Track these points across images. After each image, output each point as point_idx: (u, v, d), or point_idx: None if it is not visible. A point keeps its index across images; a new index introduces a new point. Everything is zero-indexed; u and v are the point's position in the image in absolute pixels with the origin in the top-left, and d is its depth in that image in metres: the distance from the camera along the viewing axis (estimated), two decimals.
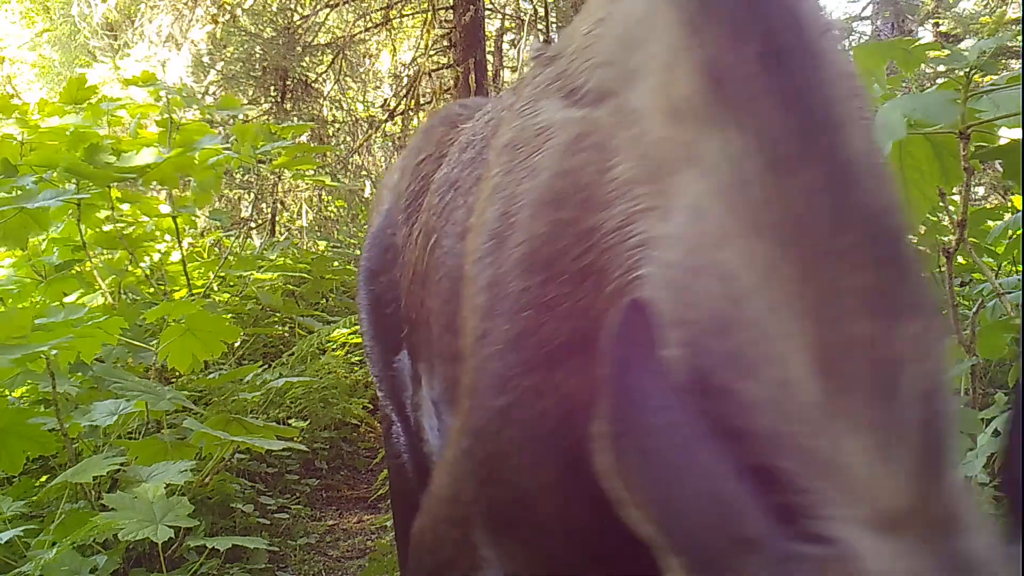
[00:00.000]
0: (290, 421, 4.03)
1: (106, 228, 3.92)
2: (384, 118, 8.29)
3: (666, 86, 0.88)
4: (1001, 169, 2.08)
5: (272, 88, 7.55)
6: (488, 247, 1.16)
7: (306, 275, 5.62)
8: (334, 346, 4.78)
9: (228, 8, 7.41)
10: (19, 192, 3.18)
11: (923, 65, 2.65)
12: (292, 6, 7.78)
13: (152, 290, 4.31)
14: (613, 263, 0.92)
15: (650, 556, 0.74)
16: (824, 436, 0.68)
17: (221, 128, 6.21)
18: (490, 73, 8.37)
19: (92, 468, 2.23)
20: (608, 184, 0.95)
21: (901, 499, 0.65)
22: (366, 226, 2.38)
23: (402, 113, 8.09)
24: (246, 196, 7.73)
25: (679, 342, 0.77)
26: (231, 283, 5.22)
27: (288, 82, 7.52)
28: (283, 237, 7.39)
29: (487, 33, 8.45)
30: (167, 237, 4.57)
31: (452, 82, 7.57)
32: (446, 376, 1.52)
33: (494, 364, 1.07)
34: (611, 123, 0.99)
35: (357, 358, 4.70)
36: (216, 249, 5.87)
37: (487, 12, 8.50)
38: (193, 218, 4.82)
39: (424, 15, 8.09)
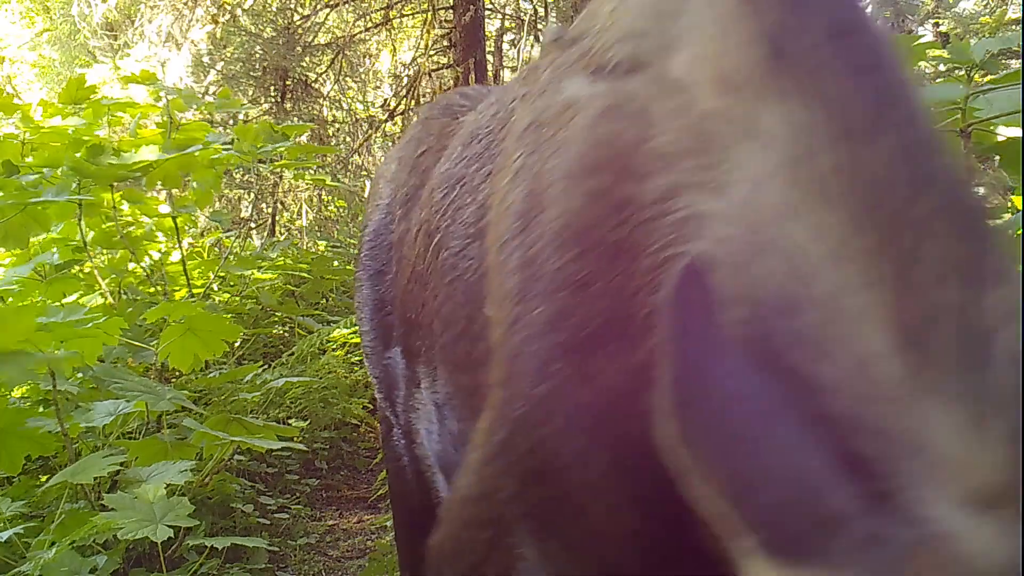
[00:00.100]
0: (290, 421, 4.03)
1: (106, 228, 3.92)
2: (384, 118, 8.29)
3: (715, 56, 0.84)
4: (998, 164, 2.09)
5: (272, 88, 7.55)
6: (516, 228, 1.08)
7: (306, 275, 5.62)
8: (334, 346, 4.78)
9: (228, 8, 7.41)
10: (21, 190, 3.18)
11: (923, 64, 2.66)
12: (292, 6, 7.78)
13: (152, 290, 4.31)
14: (651, 237, 0.86)
15: (708, 566, 0.70)
16: (910, 414, 0.63)
17: (221, 128, 6.21)
18: (490, 73, 8.36)
19: (92, 467, 2.23)
20: (647, 154, 0.89)
21: (997, 475, 0.60)
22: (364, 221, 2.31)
23: (402, 113, 8.09)
24: (246, 196, 7.73)
25: (740, 320, 0.72)
26: (231, 283, 5.22)
27: (288, 82, 7.52)
28: (283, 237, 7.39)
29: (487, 33, 8.44)
30: (164, 237, 4.57)
31: (452, 82, 7.57)
32: (460, 384, 1.46)
33: (530, 348, 0.99)
34: (648, 93, 0.93)
35: (357, 358, 4.70)
36: (216, 249, 5.87)
37: (487, 12, 8.49)
38: (193, 217, 4.82)
39: (424, 15, 8.09)
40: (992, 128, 2.06)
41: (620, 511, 0.93)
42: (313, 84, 7.91)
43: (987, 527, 0.59)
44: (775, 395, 0.66)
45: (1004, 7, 9.36)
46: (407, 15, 8.46)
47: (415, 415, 1.84)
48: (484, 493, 1.10)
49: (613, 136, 0.95)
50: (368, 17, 8.27)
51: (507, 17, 9.34)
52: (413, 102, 7.88)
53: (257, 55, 7.38)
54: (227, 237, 6.25)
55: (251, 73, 7.44)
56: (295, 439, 3.43)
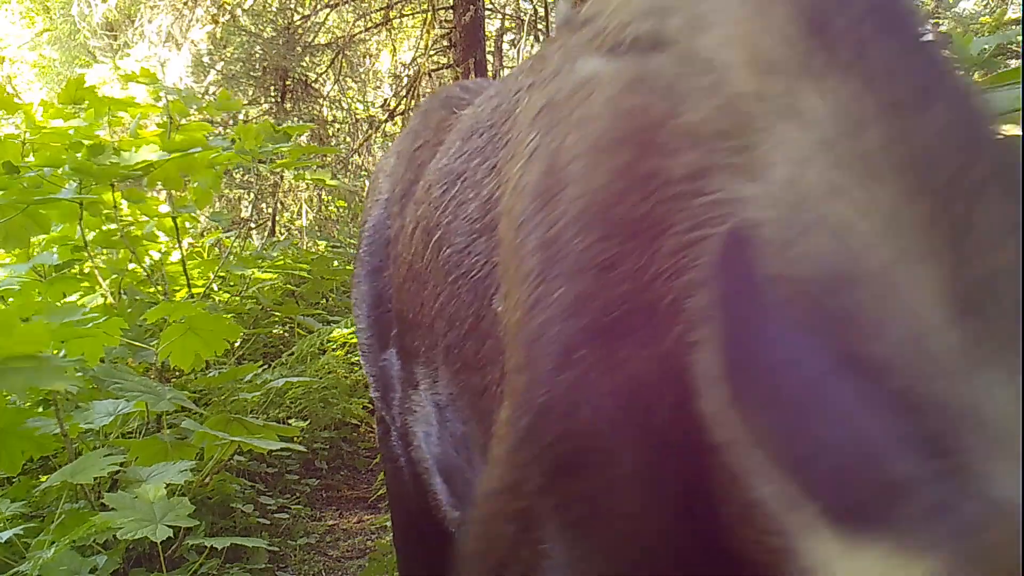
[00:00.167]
0: (290, 421, 4.04)
1: (107, 228, 3.92)
2: (384, 118, 8.29)
3: (749, 37, 0.82)
4: None
5: (272, 88, 7.55)
6: (534, 208, 1.03)
7: (306, 275, 5.62)
8: (334, 346, 4.79)
9: (228, 8, 7.42)
10: (22, 191, 3.18)
11: None
12: (292, 6, 7.78)
13: (152, 290, 4.31)
14: (676, 216, 0.83)
15: (740, 568, 0.67)
16: (971, 388, 0.60)
17: (221, 128, 6.22)
18: (490, 73, 8.36)
19: (91, 467, 2.22)
20: (675, 129, 0.85)
21: None
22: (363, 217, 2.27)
23: (402, 113, 8.09)
24: (246, 196, 7.73)
25: (786, 300, 0.69)
26: (231, 283, 5.22)
27: (288, 82, 7.52)
28: (283, 237, 7.39)
29: (487, 33, 8.44)
30: (164, 237, 4.57)
31: (452, 82, 7.57)
32: (466, 384, 1.41)
33: (551, 332, 0.93)
34: (675, 71, 0.89)
35: (357, 358, 4.69)
36: (216, 249, 5.86)
37: (487, 12, 8.50)
38: (193, 216, 4.82)
39: (424, 15, 8.09)
40: None
41: (651, 510, 0.89)
42: (313, 84, 7.91)
43: None
44: (829, 365, 0.63)
45: (1004, 7, 9.37)
46: (407, 15, 8.46)
47: (412, 417, 1.80)
48: (510, 484, 1.04)
49: (639, 109, 0.91)
50: (368, 17, 8.27)
51: (507, 17, 9.34)
52: (413, 102, 7.88)
53: (257, 55, 7.38)
54: (227, 237, 6.25)
55: (251, 73, 7.44)
56: (295, 439, 3.42)
